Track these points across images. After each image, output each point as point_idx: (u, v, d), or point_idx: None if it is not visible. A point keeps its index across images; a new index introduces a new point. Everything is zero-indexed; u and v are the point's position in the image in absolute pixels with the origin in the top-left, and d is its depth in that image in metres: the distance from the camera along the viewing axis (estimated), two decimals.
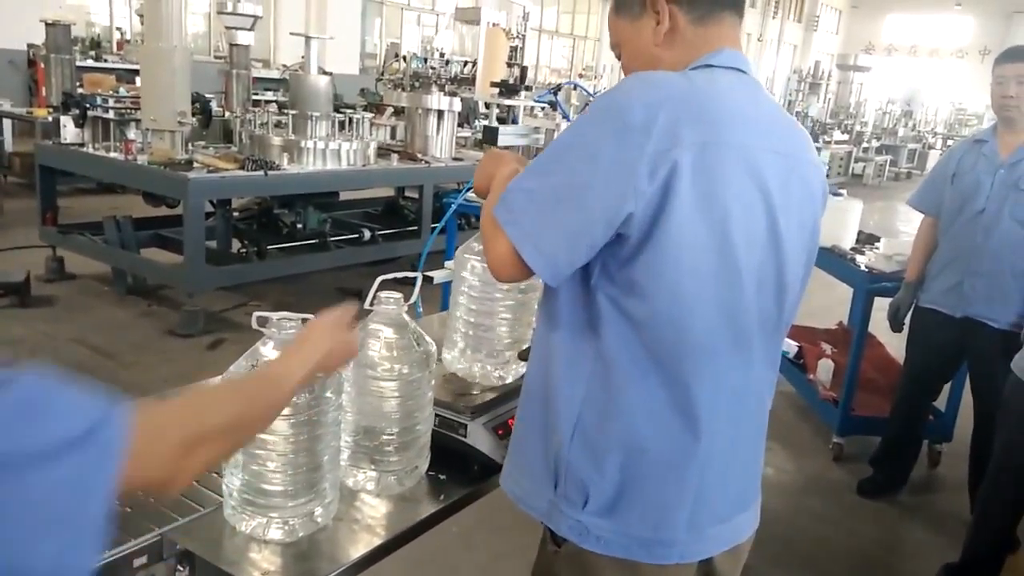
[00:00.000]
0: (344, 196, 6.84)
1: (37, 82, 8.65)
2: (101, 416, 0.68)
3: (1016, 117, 3.00)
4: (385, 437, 1.50)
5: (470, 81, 6.34)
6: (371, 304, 1.49)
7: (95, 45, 10.66)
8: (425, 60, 6.45)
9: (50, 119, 6.90)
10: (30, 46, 9.32)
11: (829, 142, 13.96)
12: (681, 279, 1.11)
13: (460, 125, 7.26)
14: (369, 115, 6.65)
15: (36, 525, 0.63)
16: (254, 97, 8.56)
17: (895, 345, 4.25)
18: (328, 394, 1.32)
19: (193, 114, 5.13)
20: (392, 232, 6.27)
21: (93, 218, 5.67)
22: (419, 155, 6.07)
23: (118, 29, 11.74)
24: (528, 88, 6.45)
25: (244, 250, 5.55)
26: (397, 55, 8.62)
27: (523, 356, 1.72)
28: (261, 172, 4.83)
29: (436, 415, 1.60)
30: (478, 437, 1.59)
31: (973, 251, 3.05)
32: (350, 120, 5.66)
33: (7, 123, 8.13)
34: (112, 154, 5.07)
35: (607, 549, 1.20)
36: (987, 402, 3.05)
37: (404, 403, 1.50)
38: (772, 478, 3.67)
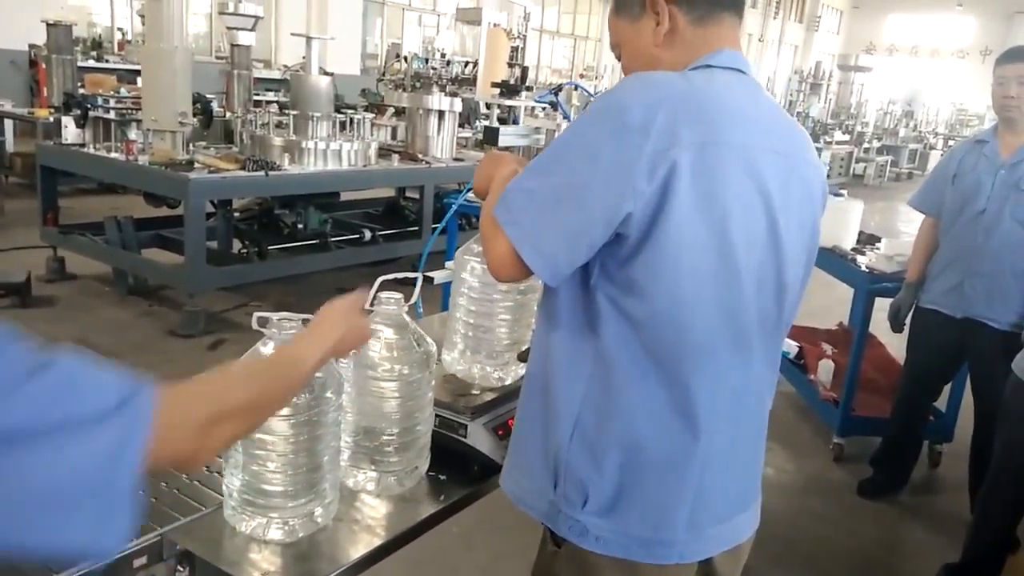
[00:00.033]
0: (345, 196, 6.85)
1: (38, 82, 8.66)
2: (130, 391, 0.72)
3: (1017, 117, 2.99)
4: (385, 437, 1.50)
5: (471, 81, 6.34)
6: (371, 304, 1.50)
7: (96, 45, 10.67)
8: (426, 60, 6.45)
9: (51, 119, 6.91)
10: (31, 46, 9.33)
11: (830, 142, 13.95)
12: (680, 279, 1.11)
13: (461, 125, 7.27)
14: (370, 115, 6.66)
15: (74, 494, 0.66)
16: (255, 97, 8.56)
17: (896, 345, 4.25)
18: (328, 394, 1.32)
19: (194, 114, 5.13)
20: (393, 232, 6.27)
21: (94, 218, 5.68)
22: (420, 155, 6.07)
23: (119, 29, 11.75)
24: (529, 88, 6.46)
25: (245, 250, 5.55)
26: (398, 55, 8.64)
27: (522, 357, 1.72)
28: (262, 172, 4.83)
29: (436, 415, 1.60)
30: (478, 437, 1.59)
31: (974, 251, 3.05)
32: (351, 120, 5.67)
33: (8, 123, 8.14)
34: (113, 154, 5.08)
35: (607, 549, 1.20)
36: (987, 402, 3.05)
37: (404, 403, 1.50)
38: (772, 478, 3.67)
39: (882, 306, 3.58)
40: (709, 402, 1.17)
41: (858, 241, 4.21)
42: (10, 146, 8.15)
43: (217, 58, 11.86)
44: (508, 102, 6.39)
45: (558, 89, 2.08)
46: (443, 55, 6.54)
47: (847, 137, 15.28)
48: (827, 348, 4.50)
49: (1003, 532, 2.76)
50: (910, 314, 3.40)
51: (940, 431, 3.87)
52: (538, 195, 1.14)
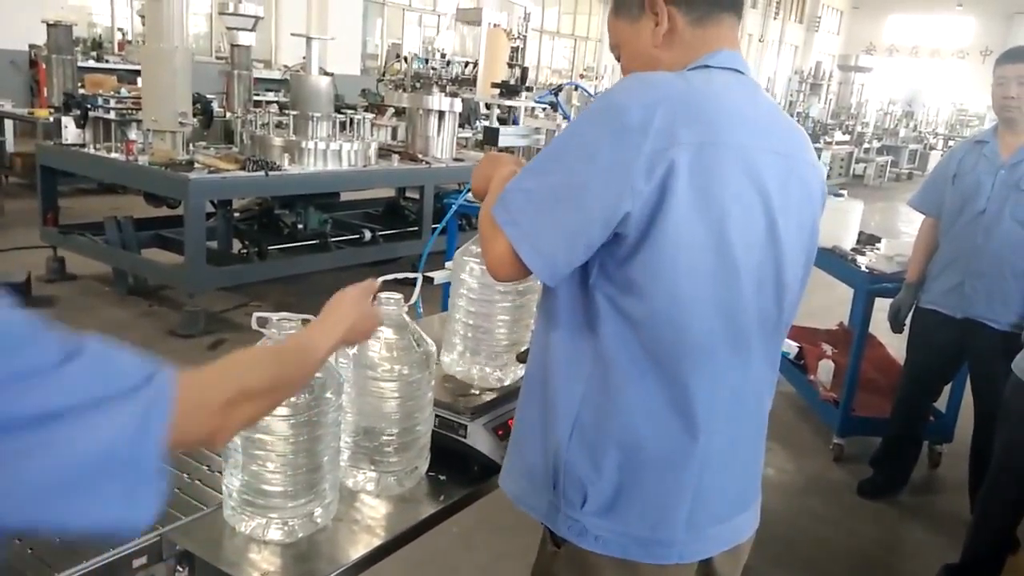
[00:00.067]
0: (345, 197, 6.85)
1: (38, 82, 8.66)
2: (153, 369, 0.77)
3: (1017, 118, 2.99)
4: (385, 438, 1.50)
5: (471, 82, 6.34)
6: (374, 299, 1.49)
7: (96, 46, 10.67)
8: (426, 61, 6.45)
9: (51, 119, 6.91)
10: (31, 47, 9.33)
11: (830, 143, 13.95)
12: (679, 279, 1.11)
13: (461, 126, 7.27)
14: (370, 116, 6.66)
15: (104, 468, 0.70)
16: (255, 98, 8.57)
17: (896, 346, 4.25)
18: (328, 394, 1.32)
19: (194, 115, 5.13)
20: (393, 233, 6.27)
21: (94, 218, 5.68)
22: (420, 156, 6.07)
23: (119, 30, 11.75)
24: (529, 89, 6.46)
25: (245, 251, 5.56)
26: (398, 56, 8.65)
27: (521, 358, 1.72)
28: (262, 173, 4.83)
29: (436, 416, 1.60)
30: (478, 438, 1.59)
31: (974, 252, 3.05)
32: (351, 121, 5.67)
33: (8, 123, 8.14)
34: (113, 154, 5.08)
35: (606, 549, 1.20)
36: (987, 403, 3.05)
37: (404, 404, 1.50)
38: (772, 478, 3.67)
39: (882, 306, 3.58)
40: (708, 402, 1.17)
41: (858, 241, 4.21)
42: (10, 146, 8.15)
43: (217, 58, 11.86)
44: (508, 102, 6.39)
45: (558, 89, 2.08)
46: (443, 55, 6.54)
47: (847, 137, 15.28)
48: (827, 348, 4.50)
49: (1003, 532, 2.76)
50: (910, 314, 3.40)
51: (940, 431, 3.87)
52: (537, 195, 1.15)
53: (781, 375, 2.93)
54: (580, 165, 1.11)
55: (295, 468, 1.31)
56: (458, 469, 1.60)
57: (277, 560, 1.29)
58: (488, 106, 6.81)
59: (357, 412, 1.50)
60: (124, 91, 7.21)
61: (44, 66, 8.13)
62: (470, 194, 1.46)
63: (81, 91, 7.13)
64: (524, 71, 6.36)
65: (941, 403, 3.74)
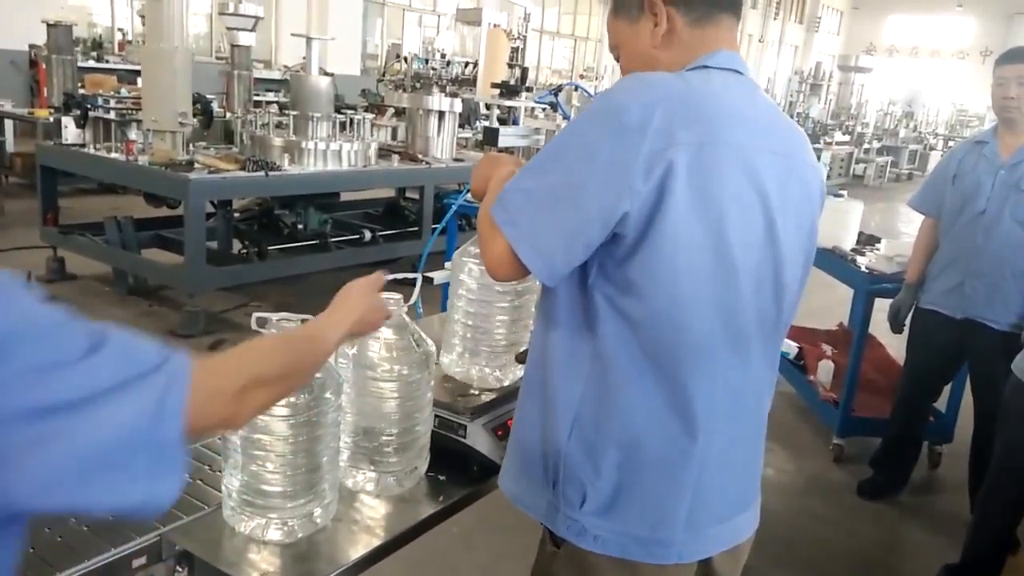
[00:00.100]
0: (345, 197, 6.85)
1: (38, 82, 8.66)
2: (169, 353, 0.80)
3: (1017, 118, 2.99)
4: (384, 438, 1.50)
5: (471, 82, 6.34)
6: None
7: (97, 46, 10.67)
8: (426, 61, 6.45)
9: (51, 119, 6.91)
10: (31, 47, 9.33)
11: (830, 143, 13.94)
12: (677, 278, 1.11)
13: (461, 126, 7.27)
14: (370, 116, 6.66)
15: (126, 449, 0.74)
16: (255, 98, 8.57)
17: (895, 346, 4.25)
18: (327, 395, 1.32)
19: (194, 115, 5.13)
20: (393, 233, 6.27)
21: (94, 219, 5.68)
22: (420, 156, 6.07)
23: (120, 30, 11.75)
24: (529, 89, 6.46)
25: (245, 251, 5.56)
26: (398, 56, 8.65)
27: (520, 359, 1.72)
28: (262, 173, 4.83)
29: (436, 416, 1.60)
30: (477, 438, 1.59)
31: (974, 252, 3.05)
32: (351, 121, 5.67)
33: (8, 123, 8.14)
34: (113, 155, 5.08)
35: (605, 548, 1.20)
36: (987, 403, 3.05)
37: (404, 404, 1.50)
38: (772, 479, 3.67)
39: (882, 307, 3.58)
40: (707, 402, 1.17)
41: (858, 242, 4.21)
42: (10, 146, 8.15)
43: (217, 58, 11.86)
44: (508, 103, 6.39)
45: (558, 90, 2.07)
46: (443, 56, 6.54)
47: (847, 138, 15.28)
48: (827, 349, 4.50)
49: (1003, 532, 2.76)
50: (910, 315, 3.40)
51: (940, 432, 3.87)
52: (536, 195, 1.15)
53: (781, 375, 2.93)
54: (579, 165, 1.11)
55: (294, 468, 1.31)
56: (458, 469, 1.60)
57: (277, 560, 1.29)
58: (488, 106, 6.81)
59: (357, 412, 1.50)
60: (124, 91, 7.21)
61: (44, 66, 8.13)
62: (470, 194, 1.47)
63: (81, 91, 7.13)
64: (524, 71, 6.37)
65: (941, 403, 3.74)
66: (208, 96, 6.02)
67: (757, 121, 1.20)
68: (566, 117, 3.33)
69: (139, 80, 6.20)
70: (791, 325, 1.34)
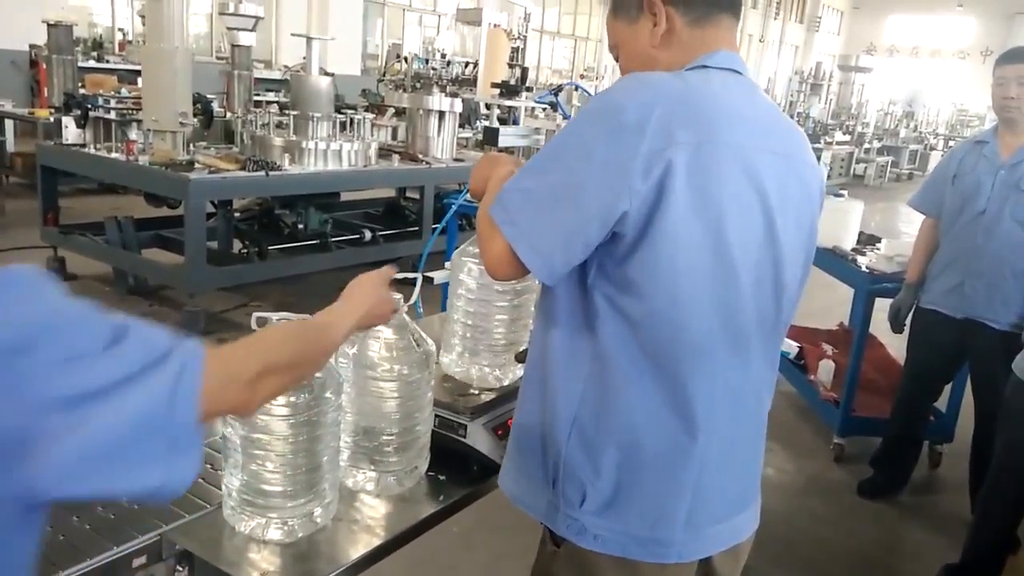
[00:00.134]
0: (345, 197, 6.85)
1: (39, 82, 8.66)
2: (180, 340, 0.83)
3: (1017, 118, 2.99)
4: (385, 438, 1.50)
5: (471, 82, 6.35)
6: None
7: (97, 46, 10.67)
8: (426, 61, 6.46)
9: (52, 119, 6.90)
10: (32, 47, 9.33)
11: (830, 143, 13.93)
12: (677, 278, 1.11)
13: (461, 126, 7.27)
14: (370, 116, 6.66)
15: (143, 433, 0.76)
16: (255, 98, 8.56)
17: (896, 346, 4.25)
18: (327, 394, 1.32)
19: (195, 115, 5.13)
20: (393, 233, 6.28)
21: (94, 218, 5.68)
22: (420, 156, 6.07)
23: (120, 30, 11.75)
24: (529, 89, 6.47)
25: (245, 251, 5.56)
26: (398, 56, 8.66)
27: (520, 358, 1.72)
28: (262, 173, 4.84)
29: (436, 416, 1.60)
30: (477, 437, 1.59)
31: (974, 252, 3.05)
32: (351, 121, 5.67)
33: (9, 123, 8.14)
34: (113, 155, 5.08)
35: (605, 548, 1.20)
36: (988, 403, 3.05)
37: (404, 404, 1.50)
38: (772, 478, 3.67)
39: (882, 306, 3.58)
40: (707, 402, 1.17)
41: (858, 241, 4.21)
42: (11, 146, 8.16)
43: (217, 58, 11.86)
44: (508, 103, 6.39)
45: (558, 90, 2.07)
46: (443, 56, 6.55)
47: (847, 137, 15.27)
48: (827, 348, 4.50)
49: (1003, 532, 2.76)
50: (910, 314, 3.40)
51: (940, 431, 3.87)
52: (535, 194, 1.15)
53: (781, 375, 2.93)
54: (578, 164, 1.11)
55: (295, 468, 1.31)
56: (458, 469, 1.60)
57: (277, 560, 1.29)
58: (488, 106, 6.81)
59: (357, 412, 1.50)
60: (124, 91, 7.20)
61: (44, 66, 8.13)
62: (469, 194, 1.47)
63: (81, 91, 7.12)
64: (524, 71, 6.37)
65: (941, 403, 3.74)
66: (208, 96, 6.02)
67: (756, 121, 1.20)
68: (566, 117, 3.33)
69: (139, 80, 6.20)
70: (791, 325, 1.34)
